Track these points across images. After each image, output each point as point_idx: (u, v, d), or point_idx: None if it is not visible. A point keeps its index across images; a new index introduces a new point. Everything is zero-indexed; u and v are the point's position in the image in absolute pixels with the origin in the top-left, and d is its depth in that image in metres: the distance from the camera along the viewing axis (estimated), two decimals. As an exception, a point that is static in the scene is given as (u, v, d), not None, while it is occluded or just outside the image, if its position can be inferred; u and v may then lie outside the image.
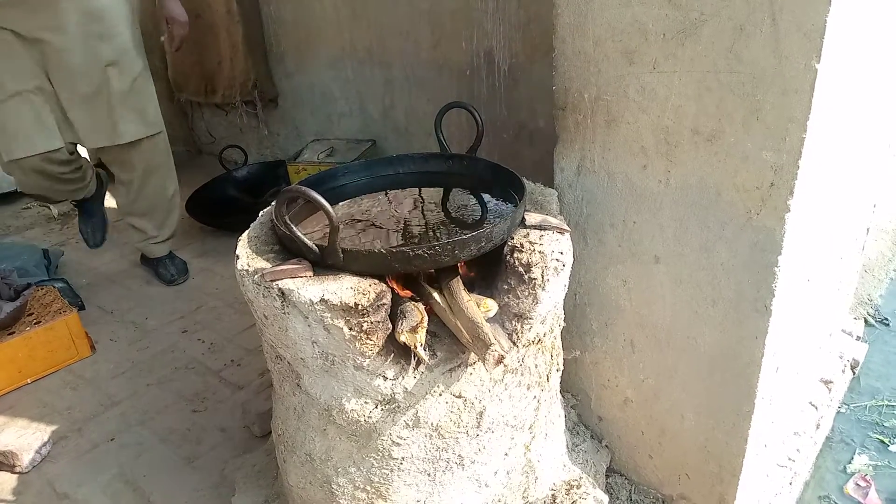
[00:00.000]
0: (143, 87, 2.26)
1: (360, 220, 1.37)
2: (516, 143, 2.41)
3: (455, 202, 1.45)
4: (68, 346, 2.24)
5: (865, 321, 2.41)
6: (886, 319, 2.44)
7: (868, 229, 2.00)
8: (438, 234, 1.30)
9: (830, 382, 1.85)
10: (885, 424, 1.94)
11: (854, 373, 2.10)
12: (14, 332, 2.14)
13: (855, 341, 2.16)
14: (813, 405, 1.77)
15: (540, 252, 1.17)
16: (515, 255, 1.17)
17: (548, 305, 1.19)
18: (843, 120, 1.22)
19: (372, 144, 2.83)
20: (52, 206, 3.43)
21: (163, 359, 2.22)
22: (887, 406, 2.01)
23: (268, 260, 1.20)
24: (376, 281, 1.12)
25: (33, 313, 2.24)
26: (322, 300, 1.08)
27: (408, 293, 1.23)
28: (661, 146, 1.22)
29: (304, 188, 1.07)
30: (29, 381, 2.16)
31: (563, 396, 1.55)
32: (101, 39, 2.10)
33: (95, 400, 2.05)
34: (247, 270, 1.18)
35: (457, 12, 2.38)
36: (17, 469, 1.80)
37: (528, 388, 1.26)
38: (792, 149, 1.08)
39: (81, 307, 2.49)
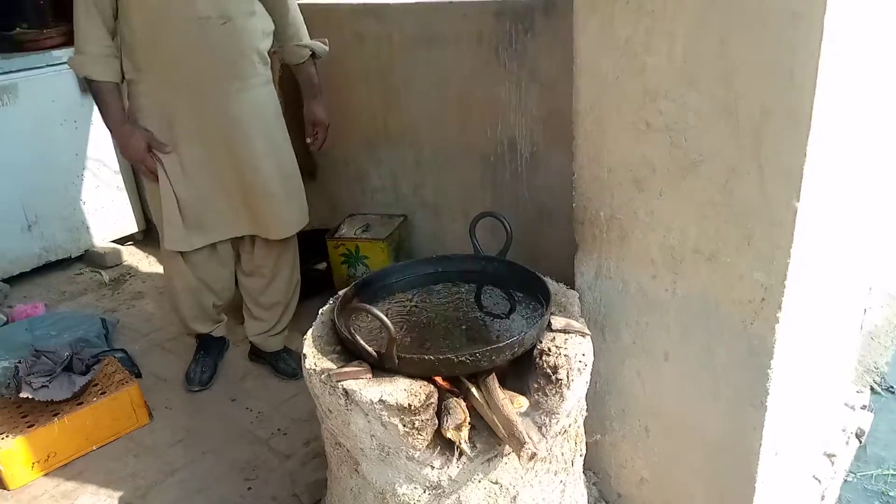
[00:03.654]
0: (295, 179, 2.37)
1: (408, 318, 1.57)
2: (538, 222, 2.61)
3: (489, 298, 1.64)
4: (129, 414, 2.45)
5: (871, 389, 2.52)
6: (892, 387, 2.55)
7: (866, 310, 2.17)
8: (477, 333, 1.50)
9: (834, 456, 1.99)
10: (890, 494, 2.04)
11: (860, 441, 2.21)
12: (82, 403, 2.35)
13: (860, 410, 2.29)
14: (816, 479, 1.92)
15: (565, 355, 1.36)
16: (544, 357, 1.36)
17: (572, 402, 1.37)
18: (829, 240, 1.41)
19: (404, 220, 3.04)
20: (102, 272, 3.69)
21: (215, 427, 2.41)
22: (892, 475, 2.13)
23: (332, 360, 1.40)
24: (426, 382, 1.32)
25: (98, 384, 2.45)
26: (381, 400, 1.27)
27: (447, 385, 1.42)
28: (668, 261, 1.42)
29: (369, 307, 1.27)
30: (95, 447, 2.36)
31: (585, 474, 1.72)
32: (260, 133, 2.21)
33: (156, 467, 2.24)
34: (314, 370, 1.38)
35: (483, 103, 2.61)
36: (90, 533, 1.99)
37: (556, 474, 1.44)
38: (779, 271, 1.27)
39: (138, 375, 2.69)
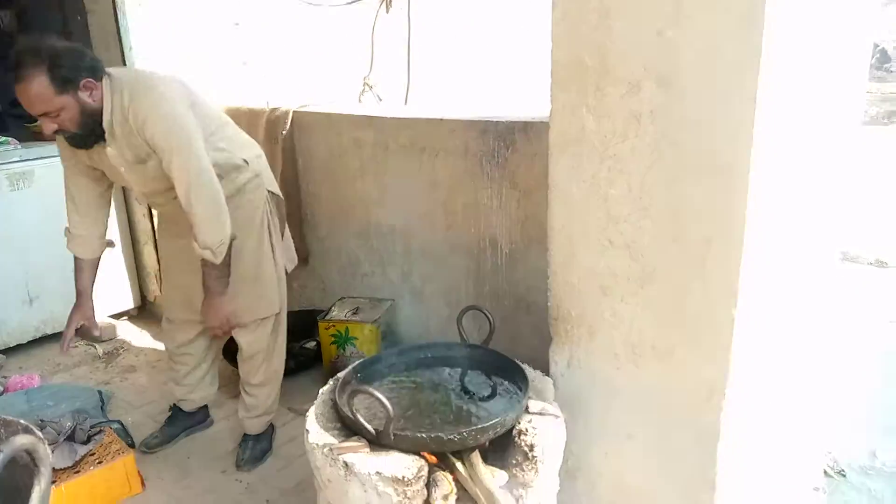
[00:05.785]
0: (263, 272, 2.54)
1: (400, 398, 1.77)
2: (516, 310, 2.84)
3: (473, 382, 1.85)
4: (123, 483, 2.56)
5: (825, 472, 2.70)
6: (844, 471, 2.73)
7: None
8: (462, 413, 1.70)
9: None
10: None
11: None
12: (79, 471, 2.46)
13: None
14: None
15: (541, 435, 1.56)
16: (522, 437, 1.56)
17: (546, 476, 1.57)
18: (769, 340, 1.65)
19: (392, 304, 3.26)
20: (97, 346, 3.82)
21: (205, 498, 2.52)
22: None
23: (333, 436, 1.59)
24: (417, 457, 1.51)
25: (95, 453, 2.57)
26: (377, 472, 1.46)
27: (435, 460, 1.61)
28: (630, 355, 1.65)
29: (372, 390, 1.48)
30: (89, 515, 2.46)
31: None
32: None
33: (149, 536, 2.35)
34: (317, 444, 1.57)
35: (467, 205, 2.88)
36: None
37: (530, 542, 1.62)
38: (722, 367, 1.51)
39: (132, 445, 2.81)
